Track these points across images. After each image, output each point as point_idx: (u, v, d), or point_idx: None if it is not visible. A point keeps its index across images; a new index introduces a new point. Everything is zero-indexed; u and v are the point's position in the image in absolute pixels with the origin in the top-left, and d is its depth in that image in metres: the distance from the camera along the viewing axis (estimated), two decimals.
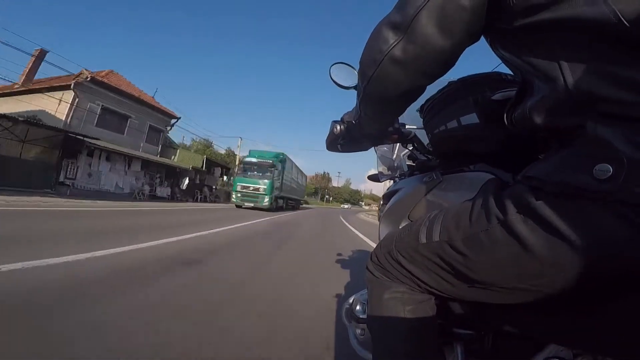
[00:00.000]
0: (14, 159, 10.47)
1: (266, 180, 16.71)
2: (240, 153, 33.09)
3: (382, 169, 1.21)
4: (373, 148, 1.08)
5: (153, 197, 17.50)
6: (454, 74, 0.69)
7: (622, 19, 0.33)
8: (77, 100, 14.10)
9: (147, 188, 17.68)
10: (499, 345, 0.62)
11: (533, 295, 0.45)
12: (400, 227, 0.78)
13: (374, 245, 0.78)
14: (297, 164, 26.57)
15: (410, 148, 0.96)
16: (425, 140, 0.93)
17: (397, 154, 1.11)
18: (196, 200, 20.55)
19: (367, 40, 0.54)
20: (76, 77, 14.14)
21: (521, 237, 0.41)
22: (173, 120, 20.69)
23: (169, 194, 19.24)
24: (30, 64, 14.77)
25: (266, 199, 16.39)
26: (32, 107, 13.46)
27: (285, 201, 21.53)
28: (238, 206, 16.55)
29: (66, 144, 12.15)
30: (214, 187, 24.87)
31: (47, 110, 13.74)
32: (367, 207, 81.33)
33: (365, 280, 0.72)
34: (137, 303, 1.91)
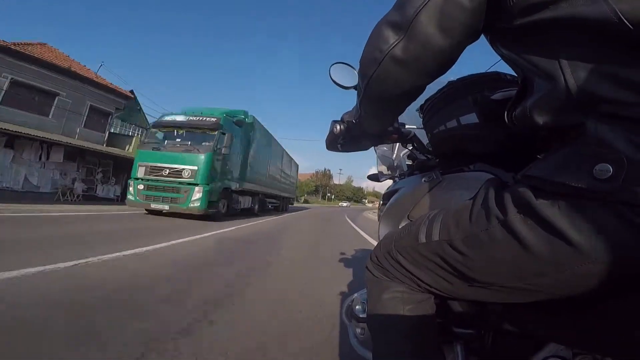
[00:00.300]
0: None
1: (201, 156, 8.19)
2: None
3: (382, 168, 1.21)
4: (373, 148, 1.08)
5: (91, 198, 13.42)
6: (453, 74, 0.69)
7: (622, 18, 0.33)
8: None
9: (79, 186, 13.34)
10: (498, 344, 0.62)
11: (533, 294, 0.46)
12: (399, 227, 0.78)
13: None
14: (286, 151, 18.94)
15: (410, 148, 0.97)
16: (424, 139, 0.93)
17: (396, 154, 1.12)
18: None
19: (367, 39, 0.54)
20: None
21: (521, 237, 0.41)
22: (129, 102, 15.96)
23: (118, 194, 14.68)
24: None
25: (198, 194, 8.00)
26: None
27: (258, 201, 12.93)
28: (149, 211, 8.58)
29: None
30: None
31: None
32: (370, 205, 78.70)
33: (365, 280, 0.72)
34: None
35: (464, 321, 0.66)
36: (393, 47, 0.48)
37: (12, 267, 2.42)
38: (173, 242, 4.46)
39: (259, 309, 2.13)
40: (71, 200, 12.57)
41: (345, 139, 0.88)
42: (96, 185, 14.45)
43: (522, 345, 0.57)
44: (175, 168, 8.18)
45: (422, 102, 0.84)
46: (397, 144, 1.04)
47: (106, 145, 14.82)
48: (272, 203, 16.27)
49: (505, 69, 0.58)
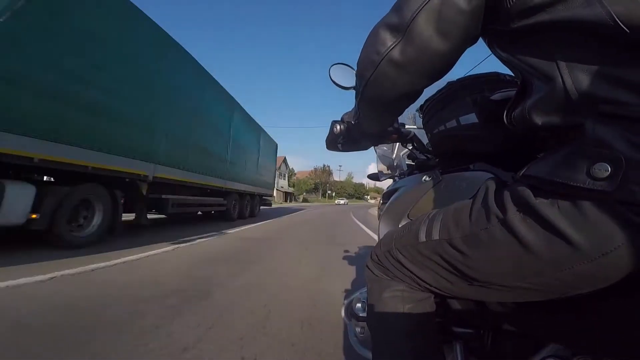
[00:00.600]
0: None
1: None
2: None
3: (382, 168, 1.21)
4: (373, 147, 1.08)
5: None
6: (453, 74, 0.69)
7: (618, 21, 0.33)
8: None
9: None
10: (498, 344, 0.62)
11: (532, 293, 0.46)
12: (399, 226, 0.78)
13: None
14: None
15: (410, 147, 0.97)
16: (424, 139, 0.93)
17: (396, 154, 1.12)
18: None
19: (365, 42, 0.54)
20: None
21: (520, 236, 0.41)
22: None
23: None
24: None
25: None
26: None
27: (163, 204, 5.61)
28: None
29: None
30: None
31: None
32: (372, 202, 76.18)
33: (365, 279, 0.73)
34: None
35: (463, 320, 0.66)
36: (390, 50, 0.48)
37: None
38: None
39: None
40: None
41: (345, 138, 0.89)
42: None
43: (522, 345, 0.57)
44: None
45: (422, 103, 0.84)
46: (397, 143, 1.04)
47: None
48: (215, 206, 7.92)
49: (505, 69, 0.57)
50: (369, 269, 0.71)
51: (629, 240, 0.35)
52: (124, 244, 3.94)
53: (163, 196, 5.58)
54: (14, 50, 2.72)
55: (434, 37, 0.44)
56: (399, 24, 0.46)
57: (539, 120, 0.43)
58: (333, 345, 1.51)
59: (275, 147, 13.57)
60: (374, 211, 21.27)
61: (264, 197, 12.37)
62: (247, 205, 10.06)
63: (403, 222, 0.80)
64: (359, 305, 0.89)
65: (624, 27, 0.33)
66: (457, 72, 0.76)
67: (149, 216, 5.75)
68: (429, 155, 0.92)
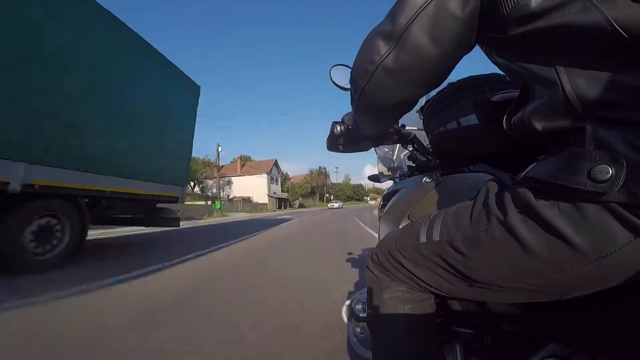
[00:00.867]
0: None
1: None
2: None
3: (383, 169, 1.21)
4: (373, 148, 1.09)
5: None
6: (453, 76, 0.69)
7: (616, 26, 0.33)
8: None
9: None
10: (498, 344, 0.62)
11: (532, 295, 0.46)
12: (400, 227, 0.79)
13: None
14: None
15: (410, 149, 0.97)
16: (425, 141, 0.94)
17: (397, 155, 1.12)
18: None
19: (359, 50, 0.54)
20: None
21: (521, 237, 0.42)
22: None
23: None
24: None
25: None
26: None
27: None
28: None
29: None
30: None
31: None
32: (373, 202, 72.89)
33: (366, 280, 0.73)
34: None
35: (463, 321, 0.66)
36: (385, 58, 0.47)
37: None
38: None
39: None
40: None
41: (346, 139, 0.89)
42: None
43: (522, 345, 0.57)
44: None
45: (423, 104, 0.85)
46: (398, 145, 1.05)
47: None
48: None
49: None
50: (369, 269, 0.72)
51: (630, 242, 0.35)
52: None
53: None
54: None
55: (428, 44, 0.44)
56: (392, 32, 0.46)
57: (538, 125, 0.43)
58: None
59: (194, 94, 6.58)
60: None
61: (161, 207, 5.75)
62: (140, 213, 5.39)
63: (403, 224, 0.80)
64: (359, 306, 0.89)
65: (623, 32, 0.33)
66: (458, 74, 0.76)
67: None
68: (429, 157, 0.92)
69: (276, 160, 54.13)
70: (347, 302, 0.94)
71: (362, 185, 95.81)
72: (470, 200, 0.54)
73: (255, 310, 2.24)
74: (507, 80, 0.73)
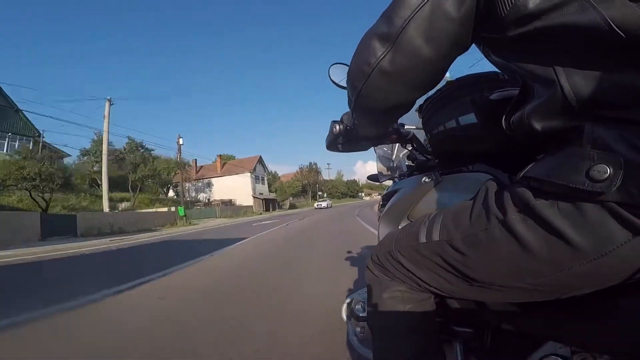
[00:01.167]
0: None
1: None
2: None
3: (382, 169, 1.21)
4: (373, 148, 1.09)
5: None
6: (452, 74, 0.69)
7: (613, 26, 0.33)
8: None
9: None
10: (497, 343, 0.62)
11: (532, 294, 0.46)
12: (399, 227, 0.79)
13: None
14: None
15: (410, 148, 0.97)
16: (424, 140, 0.93)
17: (396, 154, 1.12)
18: None
19: (355, 52, 0.53)
20: None
21: (520, 236, 0.42)
22: None
23: None
24: None
25: None
26: None
27: None
28: None
29: None
30: None
31: None
32: (367, 198, 69.78)
33: (366, 279, 0.73)
34: None
35: (463, 320, 0.67)
36: (381, 60, 0.47)
37: None
38: None
39: None
40: None
41: (345, 139, 0.89)
42: None
43: (521, 344, 0.57)
44: None
45: (421, 102, 0.85)
46: (397, 144, 1.05)
47: None
48: None
49: None
50: (369, 269, 0.72)
51: (628, 241, 0.35)
52: None
53: None
54: None
55: (424, 45, 0.44)
56: (388, 33, 0.46)
57: (537, 124, 0.43)
58: None
59: None
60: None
61: None
62: None
63: (403, 224, 0.80)
64: (358, 305, 0.89)
65: (620, 32, 0.33)
66: (457, 72, 0.75)
67: None
68: (428, 156, 0.92)
69: (260, 157, 47.86)
70: (347, 302, 0.94)
71: (356, 181, 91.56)
72: (470, 199, 0.54)
73: None
74: (506, 78, 0.73)
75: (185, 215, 21.26)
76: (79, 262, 6.12)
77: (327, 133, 0.91)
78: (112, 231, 15.00)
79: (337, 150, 0.94)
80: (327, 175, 79.00)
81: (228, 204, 36.98)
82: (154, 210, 23.19)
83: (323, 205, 40.90)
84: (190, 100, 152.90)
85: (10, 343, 2.05)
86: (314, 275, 3.53)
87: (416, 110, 0.89)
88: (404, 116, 0.81)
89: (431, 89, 0.53)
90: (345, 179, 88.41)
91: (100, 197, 21.18)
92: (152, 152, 31.03)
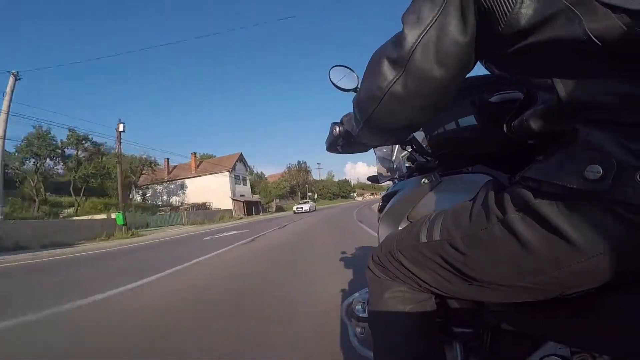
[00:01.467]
0: None
1: None
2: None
3: (382, 170, 1.22)
4: (372, 149, 1.09)
5: None
6: None
7: (591, 36, 0.35)
8: None
9: None
10: (497, 343, 0.63)
11: (531, 293, 0.47)
12: (399, 228, 0.79)
13: None
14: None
15: (409, 150, 0.98)
16: (424, 141, 0.94)
17: (396, 156, 1.13)
18: None
19: (365, 74, 0.55)
20: None
21: (519, 235, 0.43)
22: None
23: None
24: None
25: None
26: None
27: None
28: None
29: None
30: None
31: None
32: (360, 199, 68.23)
33: (367, 280, 0.73)
34: None
35: (463, 321, 0.67)
36: (393, 84, 0.48)
37: None
38: None
39: None
40: None
41: (345, 140, 0.89)
42: None
43: (521, 344, 0.58)
44: None
45: None
46: (397, 145, 1.05)
47: None
48: None
49: None
50: (370, 270, 0.72)
51: (624, 238, 0.36)
52: None
53: None
54: None
55: (434, 68, 0.45)
56: (399, 58, 0.47)
57: (535, 127, 0.46)
58: None
59: None
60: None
61: None
62: None
63: (403, 225, 0.80)
64: (358, 306, 0.89)
65: (597, 41, 0.35)
66: None
67: None
68: (428, 158, 0.93)
69: (241, 155, 42.11)
70: (347, 302, 0.94)
71: (348, 181, 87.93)
72: (470, 200, 0.55)
73: None
74: (506, 81, 0.74)
75: (125, 224, 15.51)
76: None
77: (327, 134, 0.92)
78: (2, 247, 10.19)
79: (337, 151, 0.94)
80: (317, 175, 75.23)
81: (201, 207, 32.63)
82: (88, 217, 18.76)
83: (304, 208, 33.80)
84: (168, 95, 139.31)
85: None
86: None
87: None
88: None
89: (441, 110, 0.54)
90: (336, 179, 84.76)
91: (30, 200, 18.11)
92: (100, 147, 26.35)
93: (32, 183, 22.62)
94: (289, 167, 62.20)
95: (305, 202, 37.48)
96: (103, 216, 18.95)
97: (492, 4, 0.40)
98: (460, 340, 0.69)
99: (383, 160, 1.17)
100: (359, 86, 0.91)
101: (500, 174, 0.70)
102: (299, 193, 56.80)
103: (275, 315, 2.33)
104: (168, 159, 38.99)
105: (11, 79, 14.23)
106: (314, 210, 32.99)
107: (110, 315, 2.72)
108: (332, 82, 0.95)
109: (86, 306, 3.02)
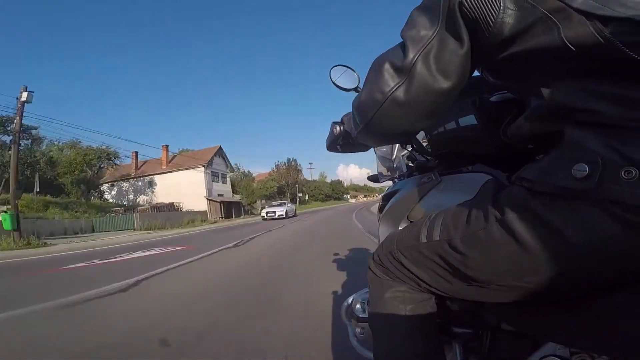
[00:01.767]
0: None
1: None
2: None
3: (382, 169, 1.22)
4: (372, 148, 1.09)
5: None
6: None
7: (567, 43, 0.38)
8: None
9: None
10: (497, 344, 0.63)
11: (530, 293, 0.47)
12: (399, 228, 0.79)
13: None
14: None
15: (409, 149, 0.98)
16: (424, 141, 0.94)
17: (396, 155, 1.13)
18: None
19: (367, 79, 0.56)
20: None
21: (517, 235, 0.43)
22: None
23: None
24: None
25: None
26: None
27: None
28: None
29: None
30: None
31: None
32: (353, 201, 67.22)
33: (368, 280, 0.73)
34: None
35: (462, 321, 0.67)
36: (395, 90, 0.50)
37: None
38: None
39: None
40: None
41: (345, 140, 0.89)
42: None
43: (520, 345, 0.58)
44: None
45: None
46: (397, 145, 1.06)
47: None
48: None
49: None
50: (370, 270, 0.72)
51: (616, 234, 0.37)
52: None
53: None
54: None
55: (435, 77, 0.47)
56: (402, 66, 0.49)
57: (528, 131, 0.48)
58: None
59: None
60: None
61: None
62: None
63: (403, 224, 0.80)
64: (358, 306, 0.89)
65: (573, 48, 0.37)
66: None
67: None
68: (428, 157, 0.93)
69: (220, 148, 35.00)
70: (347, 303, 0.94)
71: (341, 182, 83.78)
72: (470, 200, 0.56)
73: None
74: None
75: (17, 229, 10.48)
76: None
77: (328, 134, 0.91)
78: None
79: (337, 151, 0.94)
80: (309, 175, 68.40)
81: (168, 208, 26.40)
82: None
83: (278, 213, 21.82)
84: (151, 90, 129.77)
85: None
86: None
87: None
88: None
89: (439, 117, 0.56)
90: (328, 180, 78.96)
91: None
92: (33, 131, 21.15)
93: None
94: (278, 164, 54.94)
95: (279, 204, 25.88)
96: None
97: (477, 14, 0.43)
98: (460, 341, 0.69)
99: (383, 160, 1.17)
100: (359, 86, 0.91)
101: (500, 173, 0.70)
102: (288, 194, 49.72)
103: None
104: (137, 152, 32.32)
105: None
106: (293, 216, 22.96)
107: None
108: (332, 82, 0.95)
109: None
